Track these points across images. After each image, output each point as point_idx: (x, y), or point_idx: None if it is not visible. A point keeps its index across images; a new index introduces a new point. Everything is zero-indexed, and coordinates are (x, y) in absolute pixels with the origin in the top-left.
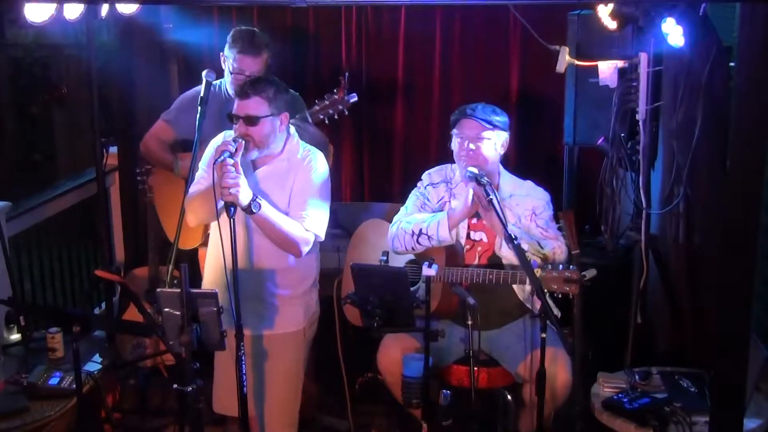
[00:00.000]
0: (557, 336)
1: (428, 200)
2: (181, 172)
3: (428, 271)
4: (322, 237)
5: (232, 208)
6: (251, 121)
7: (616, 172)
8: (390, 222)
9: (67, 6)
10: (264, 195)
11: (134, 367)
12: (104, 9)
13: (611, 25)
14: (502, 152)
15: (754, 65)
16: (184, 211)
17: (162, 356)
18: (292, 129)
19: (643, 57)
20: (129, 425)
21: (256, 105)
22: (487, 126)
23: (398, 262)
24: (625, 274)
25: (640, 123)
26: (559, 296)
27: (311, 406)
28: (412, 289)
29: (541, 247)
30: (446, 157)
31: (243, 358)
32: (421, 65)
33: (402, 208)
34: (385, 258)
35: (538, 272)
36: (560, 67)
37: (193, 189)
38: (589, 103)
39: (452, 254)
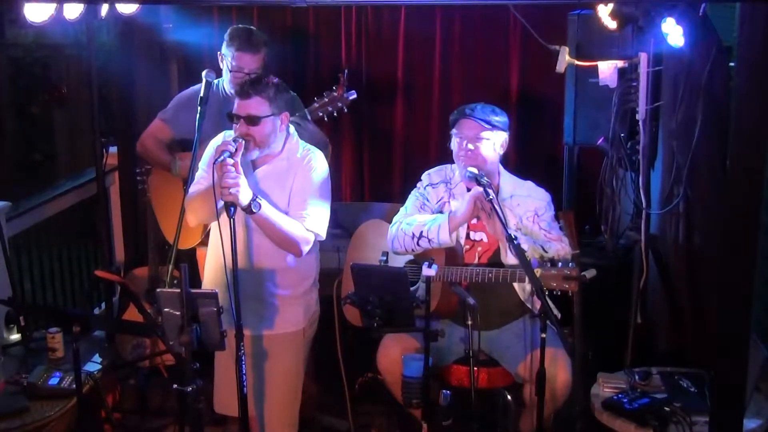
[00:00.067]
0: (557, 336)
1: (428, 200)
2: (179, 173)
3: (428, 271)
4: (323, 236)
5: (232, 208)
6: (252, 120)
7: (616, 172)
8: (390, 222)
9: (67, 6)
10: (264, 195)
11: (134, 367)
12: (104, 9)
13: (611, 25)
14: (502, 152)
15: (754, 65)
16: (183, 211)
17: (162, 356)
18: (292, 128)
19: (643, 57)
20: (129, 425)
21: (257, 105)
22: (486, 126)
23: (398, 262)
24: (625, 274)
25: (640, 123)
26: (559, 294)
27: (311, 406)
28: (411, 289)
29: (545, 251)
30: (446, 157)
31: (243, 358)
32: (421, 65)
33: (401, 209)
34: (384, 258)
35: (538, 272)
36: (560, 67)
37: (193, 189)
38: (589, 103)
39: (452, 254)
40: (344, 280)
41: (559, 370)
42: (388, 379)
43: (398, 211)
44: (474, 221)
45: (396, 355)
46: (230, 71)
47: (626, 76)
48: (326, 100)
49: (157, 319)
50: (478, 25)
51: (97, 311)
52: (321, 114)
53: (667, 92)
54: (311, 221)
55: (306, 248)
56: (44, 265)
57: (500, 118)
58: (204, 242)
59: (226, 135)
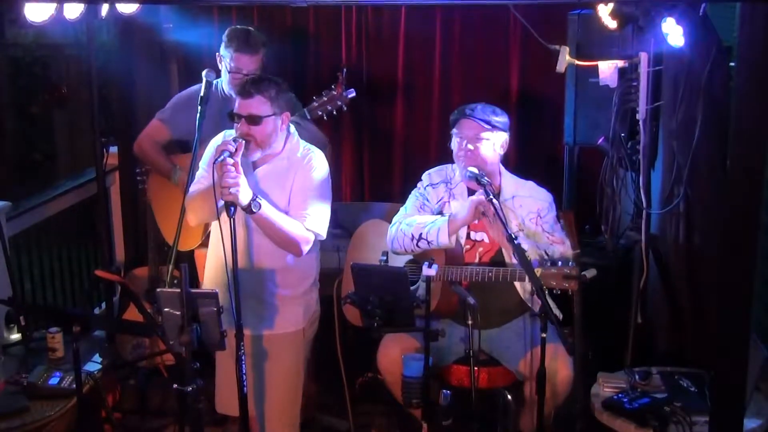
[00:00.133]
0: (557, 334)
1: (428, 201)
2: (179, 182)
3: (428, 271)
4: (324, 236)
5: (232, 208)
6: (253, 120)
7: (616, 172)
8: (390, 222)
9: (67, 6)
10: (264, 194)
11: (134, 367)
12: (104, 9)
13: (611, 24)
14: (502, 153)
15: (754, 65)
16: (183, 212)
17: (162, 356)
18: (292, 128)
19: (643, 57)
20: (129, 425)
21: (258, 104)
22: (486, 127)
23: (398, 261)
24: (625, 274)
25: (640, 123)
26: (558, 293)
27: (311, 406)
28: (411, 288)
29: (548, 255)
30: (446, 156)
31: (243, 358)
32: (421, 65)
33: (401, 209)
34: (384, 258)
35: (538, 271)
36: (560, 67)
37: (193, 188)
38: (589, 103)
39: (452, 254)
40: (344, 280)
41: (561, 366)
42: (388, 379)
43: (398, 210)
44: (475, 221)
45: (396, 355)
46: (229, 72)
47: (626, 75)
48: (325, 99)
49: (157, 319)
50: (478, 25)
51: (97, 311)
52: (320, 113)
53: (667, 92)
54: (311, 221)
55: (306, 248)
56: (44, 265)
57: (500, 119)
58: (203, 244)
59: (227, 134)
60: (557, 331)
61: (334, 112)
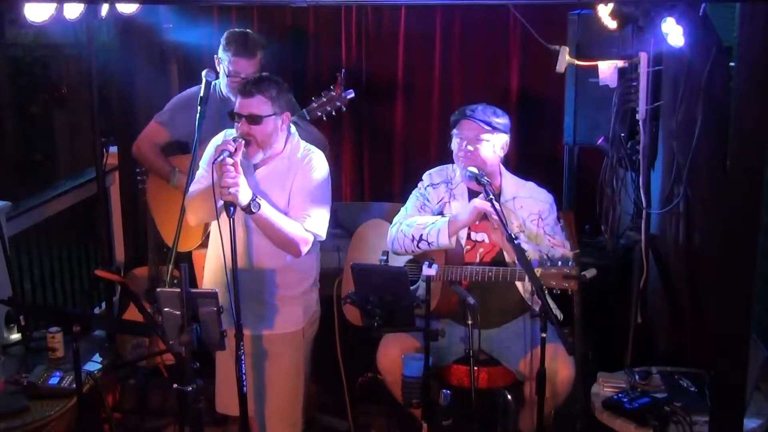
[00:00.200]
0: (557, 334)
1: (428, 201)
2: (177, 185)
3: (428, 270)
4: (323, 237)
5: (232, 208)
6: (254, 119)
7: (616, 172)
8: (390, 222)
9: (67, 6)
10: (264, 195)
11: (134, 367)
12: (104, 9)
13: (611, 24)
14: (502, 154)
15: (754, 65)
16: (183, 212)
17: (162, 356)
18: (293, 128)
19: (643, 57)
20: (129, 425)
21: (259, 104)
22: (486, 128)
23: (398, 261)
24: (625, 274)
25: (640, 123)
26: (558, 293)
27: (311, 406)
28: (411, 288)
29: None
30: (446, 156)
31: (243, 357)
32: (421, 65)
33: (402, 209)
34: (385, 258)
35: (538, 271)
36: (560, 67)
37: (193, 188)
38: (589, 103)
39: (453, 254)
40: (344, 280)
41: (562, 367)
42: (388, 379)
43: (398, 210)
44: (476, 222)
45: (396, 355)
46: (227, 76)
47: (626, 75)
48: (324, 99)
49: (157, 319)
50: (478, 25)
51: (97, 311)
52: (319, 114)
53: (667, 92)
54: (310, 222)
55: (305, 249)
56: (44, 265)
57: (501, 120)
58: (202, 245)
59: (227, 134)
60: (557, 330)
61: (333, 113)
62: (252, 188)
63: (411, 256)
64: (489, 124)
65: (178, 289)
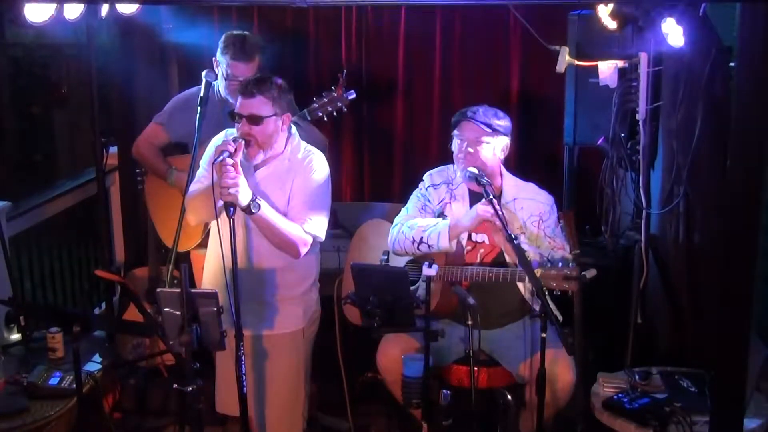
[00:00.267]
0: (558, 334)
1: (429, 201)
2: (175, 183)
3: (428, 271)
4: (322, 238)
5: (232, 209)
6: (254, 120)
7: (616, 172)
8: (390, 222)
9: (67, 6)
10: (263, 195)
11: (134, 367)
12: (104, 9)
13: (611, 25)
14: (503, 156)
15: (754, 65)
16: (183, 212)
17: (162, 356)
18: (293, 129)
19: (643, 57)
20: (129, 425)
21: (259, 104)
22: (487, 130)
23: (399, 261)
24: (625, 274)
25: (640, 123)
26: (559, 293)
27: (311, 406)
28: (411, 288)
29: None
30: (447, 156)
31: (242, 358)
32: (421, 65)
33: (403, 210)
34: (385, 258)
35: (538, 272)
36: (560, 67)
37: (193, 187)
38: (589, 103)
39: (453, 255)
40: (344, 280)
41: (565, 371)
42: (388, 379)
43: (399, 211)
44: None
45: (396, 355)
46: (225, 79)
47: (626, 76)
48: (325, 100)
49: (157, 319)
50: (478, 25)
51: (97, 311)
52: (320, 114)
53: (667, 92)
54: (310, 223)
55: (304, 250)
56: (44, 265)
57: (502, 122)
58: (200, 245)
59: (228, 134)
60: (557, 331)
61: (334, 114)
62: (252, 189)
63: (411, 257)
64: (490, 126)
65: (179, 290)
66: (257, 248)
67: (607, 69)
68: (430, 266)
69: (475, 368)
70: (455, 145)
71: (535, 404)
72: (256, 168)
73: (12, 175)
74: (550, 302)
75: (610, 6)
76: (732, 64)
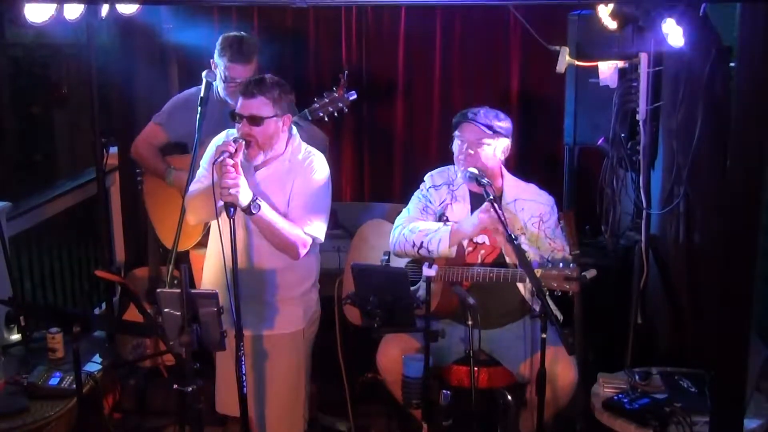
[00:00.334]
0: (558, 334)
1: (430, 202)
2: (174, 183)
3: (428, 271)
4: (322, 239)
5: (232, 209)
6: (255, 120)
7: (617, 173)
8: (391, 222)
9: (67, 6)
10: (264, 196)
11: (134, 367)
12: (104, 9)
13: (611, 25)
14: (503, 158)
15: (754, 65)
16: (183, 212)
17: (162, 356)
18: (294, 130)
19: (643, 57)
20: (129, 425)
21: (260, 105)
22: (488, 132)
23: (399, 262)
24: (625, 274)
25: (640, 123)
26: (559, 294)
27: (311, 406)
28: (412, 289)
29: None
30: (447, 157)
31: (243, 358)
32: (421, 65)
33: (404, 210)
34: (386, 258)
35: (538, 272)
36: (560, 67)
37: (193, 187)
38: (589, 104)
39: (454, 256)
40: (345, 280)
41: (566, 370)
42: (388, 379)
43: (399, 211)
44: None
45: (396, 355)
46: (223, 81)
47: (626, 76)
48: (326, 100)
49: (157, 320)
50: (478, 25)
51: (97, 311)
52: (321, 114)
53: (667, 92)
54: (310, 225)
55: (303, 251)
56: (44, 265)
57: (503, 124)
58: (198, 244)
59: (229, 133)
60: (557, 331)
61: (335, 114)
62: (252, 189)
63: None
64: (491, 128)
65: (179, 290)
66: (258, 248)
67: (608, 69)
68: (430, 267)
69: (475, 368)
70: (456, 146)
71: (535, 404)
72: (257, 169)
73: (12, 175)
74: (551, 302)
75: (610, 6)
76: (732, 64)
